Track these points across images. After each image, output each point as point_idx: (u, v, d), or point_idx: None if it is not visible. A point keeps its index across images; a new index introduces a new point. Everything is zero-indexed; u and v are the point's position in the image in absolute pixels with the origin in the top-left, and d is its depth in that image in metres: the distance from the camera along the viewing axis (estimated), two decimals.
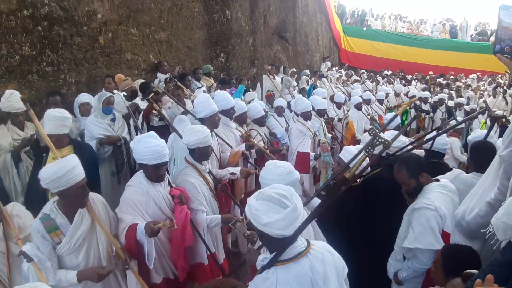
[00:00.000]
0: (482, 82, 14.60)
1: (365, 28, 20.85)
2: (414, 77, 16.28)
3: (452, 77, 15.95)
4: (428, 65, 18.36)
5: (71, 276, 2.24)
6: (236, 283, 1.28)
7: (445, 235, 2.40)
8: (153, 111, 4.56)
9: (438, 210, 2.38)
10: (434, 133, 4.10)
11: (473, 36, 20.64)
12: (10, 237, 2.45)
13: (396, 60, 19.09)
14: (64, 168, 2.17)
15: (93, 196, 2.52)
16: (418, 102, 8.92)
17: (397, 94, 10.05)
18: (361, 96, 7.76)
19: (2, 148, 3.85)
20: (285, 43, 12.49)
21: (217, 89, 5.82)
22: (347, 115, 7.16)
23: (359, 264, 2.49)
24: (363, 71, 15.23)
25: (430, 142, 3.55)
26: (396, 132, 3.59)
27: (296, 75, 10.23)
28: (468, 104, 9.77)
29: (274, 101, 6.13)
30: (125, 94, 4.85)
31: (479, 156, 2.78)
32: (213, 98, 4.30)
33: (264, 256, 1.71)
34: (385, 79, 14.18)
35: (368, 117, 7.55)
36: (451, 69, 17.52)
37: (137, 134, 4.24)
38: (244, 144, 4.10)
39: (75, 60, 5.02)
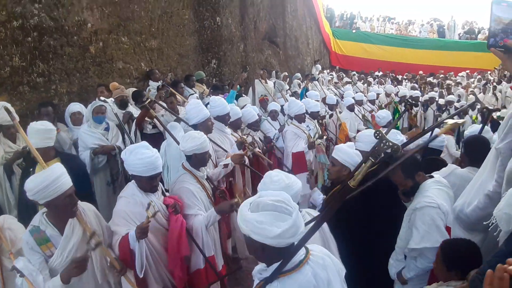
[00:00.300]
0: (472, 80, 14.77)
1: (354, 31, 21.04)
2: (405, 77, 16.43)
3: (442, 75, 16.13)
4: (417, 65, 18.54)
5: (56, 280, 2.14)
6: None
7: (447, 230, 2.40)
8: (146, 119, 4.55)
9: (440, 207, 2.37)
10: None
11: (461, 35, 20.93)
12: (3, 251, 2.40)
13: (386, 61, 19.27)
14: (49, 178, 2.12)
15: (84, 205, 2.46)
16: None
17: (387, 94, 10.14)
18: (353, 98, 7.81)
19: None
20: (275, 48, 12.54)
21: (209, 95, 5.82)
22: (330, 114, 7.20)
23: (360, 264, 2.49)
24: (354, 72, 15.33)
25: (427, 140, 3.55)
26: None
27: (288, 79, 10.28)
28: (458, 101, 9.89)
29: (267, 105, 6.14)
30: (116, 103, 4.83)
31: (474, 151, 2.80)
32: (207, 104, 4.30)
33: (261, 268, 1.62)
34: (376, 80, 14.29)
35: (361, 117, 7.60)
36: (441, 68, 17.71)
37: (131, 143, 4.22)
38: (235, 144, 4.07)
39: (66, 70, 4.98)
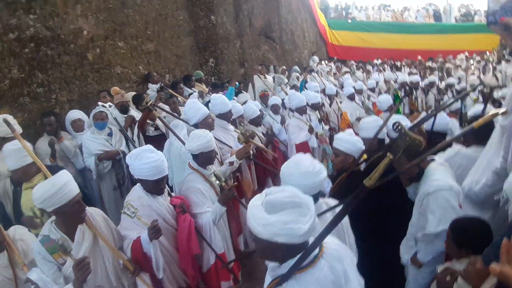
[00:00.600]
0: (471, 61, 14.67)
1: (350, 21, 20.91)
2: (403, 63, 16.35)
3: (440, 59, 16.03)
4: (416, 50, 18.39)
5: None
6: None
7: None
8: (148, 121, 4.55)
9: (453, 188, 2.35)
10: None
11: (457, 18, 20.77)
12: (16, 263, 2.41)
13: (384, 48, 19.12)
14: (56, 185, 2.11)
15: (92, 210, 2.46)
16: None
17: (386, 81, 10.10)
18: (353, 87, 7.79)
19: (0, 174, 3.81)
20: (272, 43, 12.50)
21: (209, 94, 5.82)
22: (330, 103, 7.17)
23: (366, 254, 2.48)
24: (352, 62, 15.27)
25: (431, 124, 3.54)
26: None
27: (286, 73, 10.26)
28: (459, 84, 9.83)
29: (268, 100, 6.14)
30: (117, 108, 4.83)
31: (478, 130, 2.79)
32: (208, 103, 4.30)
33: (274, 265, 1.55)
34: (375, 68, 14.23)
35: (362, 105, 7.59)
36: (439, 52, 17.57)
37: (134, 147, 4.23)
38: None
39: (65, 79, 5.00)
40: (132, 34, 6.31)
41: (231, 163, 3.40)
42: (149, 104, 3.94)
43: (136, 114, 4.91)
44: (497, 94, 5.88)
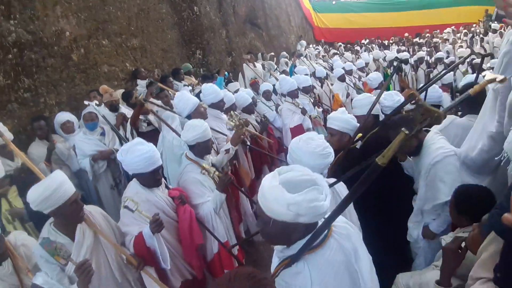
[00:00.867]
0: (458, 35, 14.67)
1: (334, 2, 20.79)
2: (391, 41, 16.32)
3: (428, 35, 16.02)
4: (402, 27, 18.37)
5: None
6: (250, 271, 1.11)
7: None
8: (140, 117, 4.51)
9: (457, 153, 2.38)
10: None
11: None
12: (21, 269, 2.38)
13: (371, 28, 19.08)
14: (51, 187, 2.08)
15: (90, 208, 2.44)
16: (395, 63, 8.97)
17: (375, 60, 10.09)
18: (343, 68, 7.76)
19: None
20: (258, 30, 12.41)
21: (200, 84, 5.77)
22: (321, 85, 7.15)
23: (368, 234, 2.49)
24: (340, 44, 15.21)
25: (423, 97, 3.55)
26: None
27: (274, 59, 10.20)
28: (447, 57, 9.83)
29: (259, 87, 6.10)
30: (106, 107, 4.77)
31: (472, 98, 2.79)
32: (199, 93, 4.26)
33: (282, 247, 1.51)
34: (363, 48, 14.20)
35: (353, 86, 7.58)
36: (426, 27, 17.56)
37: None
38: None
39: (52, 81, 4.91)
40: (116, 31, 6.21)
41: (227, 151, 3.38)
42: (139, 97, 3.89)
43: (126, 111, 4.86)
44: (485, 64, 5.90)
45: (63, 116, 4.39)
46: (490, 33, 12.37)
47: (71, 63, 5.25)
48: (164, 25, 7.51)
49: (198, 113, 3.66)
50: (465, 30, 14.76)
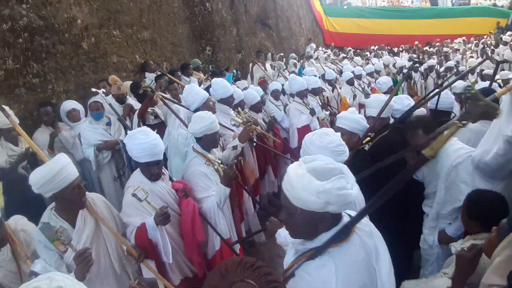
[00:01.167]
0: (469, 45, 14.58)
1: (345, 7, 20.73)
2: (401, 48, 16.24)
3: (438, 44, 15.93)
4: (413, 35, 18.27)
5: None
6: (239, 260, 1.06)
7: None
8: (148, 110, 4.48)
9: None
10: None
11: (453, 2, 20.62)
12: (20, 256, 2.33)
13: (381, 34, 18.97)
14: (54, 169, 2.04)
15: (93, 196, 2.40)
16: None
17: (385, 66, 10.03)
18: (352, 72, 7.71)
19: None
20: (268, 30, 12.37)
21: (209, 79, 5.73)
22: (332, 89, 7.10)
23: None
24: (350, 48, 15.14)
25: (435, 103, 3.51)
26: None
27: (284, 59, 10.16)
28: (457, 67, 9.76)
29: (268, 86, 6.06)
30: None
31: None
32: (209, 88, 4.22)
33: (286, 232, 1.51)
34: (373, 53, 14.14)
35: (362, 90, 7.53)
36: (436, 36, 17.47)
37: None
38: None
39: (60, 68, 4.89)
40: (127, 22, 6.19)
41: (234, 147, 3.33)
42: (150, 85, 3.84)
43: (134, 102, 4.83)
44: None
45: (69, 104, 4.36)
46: (501, 45, 12.29)
47: (81, 51, 5.23)
48: (176, 19, 7.49)
49: (207, 107, 3.62)
50: (476, 41, 14.68)
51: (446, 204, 2.50)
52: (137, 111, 4.44)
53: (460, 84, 5.98)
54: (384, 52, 14.57)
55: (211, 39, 8.49)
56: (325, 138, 2.00)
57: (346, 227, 1.40)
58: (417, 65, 9.50)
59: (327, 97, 6.57)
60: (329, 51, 14.53)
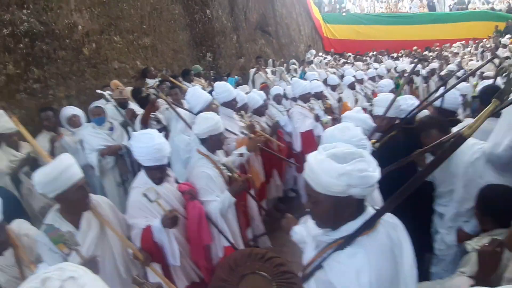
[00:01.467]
0: (468, 49, 14.62)
1: (344, 14, 20.85)
2: (400, 54, 16.28)
3: (437, 48, 15.97)
4: (411, 41, 18.33)
5: None
6: (248, 251, 1.01)
7: None
8: (151, 115, 4.43)
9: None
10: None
11: (451, 7, 20.74)
12: (23, 261, 2.24)
13: (380, 40, 19.05)
14: (58, 168, 1.99)
15: (98, 198, 2.35)
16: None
17: (388, 70, 10.01)
18: (354, 76, 7.68)
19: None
20: (268, 37, 12.41)
21: (212, 84, 5.70)
22: (338, 98, 7.06)
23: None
24: (349, 54, 15.17)
25: (439, 101, 3.47)
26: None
27: (284, 65, 10.16)
28: (458, 71, 9.75)
29: (269, 91, 6.02)
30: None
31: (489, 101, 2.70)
32: (211, 92, 4.18)
33: (302, 229, 1.49)
34: (373, 58, 14.17)
35: (363, 94, 7.49)
36: (435, 41, 17.52)
37: None
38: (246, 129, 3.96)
39: (61, 74, 4.86)
40: (128, 29, 6.18)
41: (241, 155, 3.30)
42: (153, 84, 3.80)
43: (135, 108, 4.78)
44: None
45: (69, 110, 4.31)
46: (500, 48, 12.32)
47: (82, 57, 5.21)
48: (176, 26, 7.49)
49: (210, 109, 3.57)
50: (475, 44, 14.73)
51: (465, 202, 2.45)
52: (139, 117, 4.39)
53: (461, 86, 5.98)
54: (385, 57, 14.58)
55: (212, 46, 8.50)
56: (347, 132, 1.99)
57: (374, 216, 1.38)
58: (420, 65, 9.51)
59: (331, 105, 6.50)
60: (329, 57, 14.55)
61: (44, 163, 2.29)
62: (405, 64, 10.82)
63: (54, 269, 0.89)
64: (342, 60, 13.36)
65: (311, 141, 4.82)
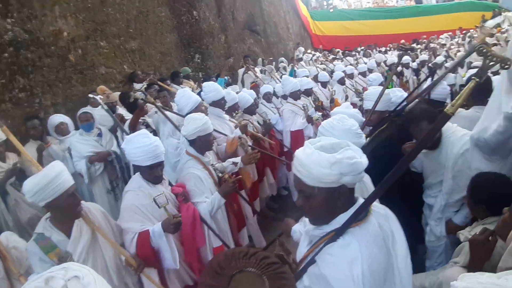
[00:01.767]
0: (456, 39, 14.71)
1: (331, 10, 20.91)
2: (388, 48, 16.34)
3: (425, 40, 16.05)
4: (399, 34, 18.44)
5: None
6: (236, 250, 1.00)
7: None
8: (140, 120, 4.39)
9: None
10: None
11: None
12: (12, 274, 2.23)
13: (367, 35, 19.11)
14: (48, 176, 1.96)
15: (89, 205, 2.32)
16: (400, 68, 8.96)
17: (378, 64, 10.05)
18: (344, 71, 7.69)
19: None
20: (257, 36, 12.38)
21: (199, 88, 5.67)
22: (331, 99, 7.07)
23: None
24: (338, 50, 15.21)
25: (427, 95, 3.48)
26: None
27: (274, 63, 10.15)
28: (446, 62, 9.81)
29: (259, 89, 6.01)
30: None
31: (477, 89, 2.70)
32: (200, 92, 4.15)
33: (301, 226, 1.49)
34: (362, 52, 14.22)
35: (354, 90, 7.50)
36: (422, 33, 17.61)
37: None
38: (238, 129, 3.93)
39: (47, 82, 4.81)
40: (114, 33, 6.13)
41: (235, 164, 3.31)
42: (140, 89, 3.77)
43: (124, 112, 4.73)
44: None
45: (57, 118, 4.26)
46: (487, 38, 12.39)
47: (68, 63, 5.15)
48: (163, 29, 7.45)
49: (199, 111, 3.53)
50: (462, 35, 14.82)
51: (454, 193, 2.46)
52: (127, 121, 4.34)
53: (448, 76, 6.03)
54: (374, 51, 14.64)
55: (200, 47, 8.45)
56: (346, 122, 2.06)
57: (363, 205, 1.38)
58: (409, 58, 9.53)
59: (322, 102, 6.49)
60: (317, 53, 14.57)
61: (32, 173, 2.27)
62: (394, 57, 10.85)
63: (58, 268, 0.88)
64: (332, 56, 13.38)
65: (300, 141, 4.81)
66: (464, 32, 15.39)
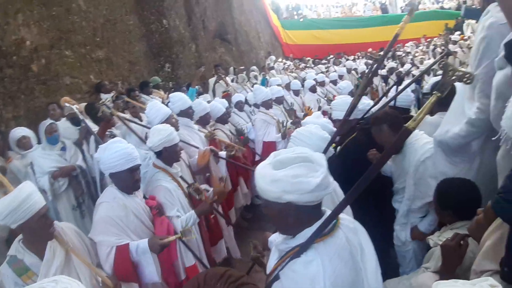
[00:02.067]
0: (421, 47, 15.28)
1: (301, 20, 21.26)
2: (356, 56, 16.76)
3: (391, 49, 16.54)
4: (367, 43, 18.92)
5: None
6: (223, 271, 0.99)
7: None
8: (106, 132, 4.24)
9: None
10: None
11: (403, 8, 21.66)
12: None
13: (336, 44, 19.52)
14: (18, 197, 1.89)
15: (62, 225, 2.23)
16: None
17: (349, 71, 10.26)
18: (315, 79, 7.78)
19: None
20: (228, 45, 12.37)
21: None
22: (304, 114, 7.11)
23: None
24: (309, 59, 15.45)
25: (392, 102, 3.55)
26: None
27: (245, 72, 10.15)
28: (411, 70, 10.13)
29: (231, 99, 5.98)
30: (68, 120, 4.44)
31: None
32: (168, 104, 4.07)
33: (284, 238, 1.43)
34: (331, 61, 14.51)
35: (325, 98, 7.59)
36: (389, 42, 18.11)
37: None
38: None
39: (9, 93, 4.58)
40: (80, 42, 5.94)
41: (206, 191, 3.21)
42: (104, 102, 3.66)
43: (91, 124, 4.55)
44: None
45: (18, 131, 4.04)
46: (450, 45, 12.97)
47: (30, 74, 4.94)
48: (132, 37, 7.30)
49: (169, 123, 3.46)
50: (427, 43, 15.40)
51: (416, 199, 2.50)
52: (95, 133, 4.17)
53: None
54: (343, 59, 14.97)
55: (170, 56, 8.34)
56: (323, 130, 2.22)
57: (327, 219, 1.36)
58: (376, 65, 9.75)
59: (295, 110, 6.52)
60: (289, 62, 14.74)
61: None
62: (363, 65, 11.13)
63: (49, 281, 0.88)
64: (302, 65, 13.56)
65: (272, 150, 4.79)
66: (428, 40, 16.00)
